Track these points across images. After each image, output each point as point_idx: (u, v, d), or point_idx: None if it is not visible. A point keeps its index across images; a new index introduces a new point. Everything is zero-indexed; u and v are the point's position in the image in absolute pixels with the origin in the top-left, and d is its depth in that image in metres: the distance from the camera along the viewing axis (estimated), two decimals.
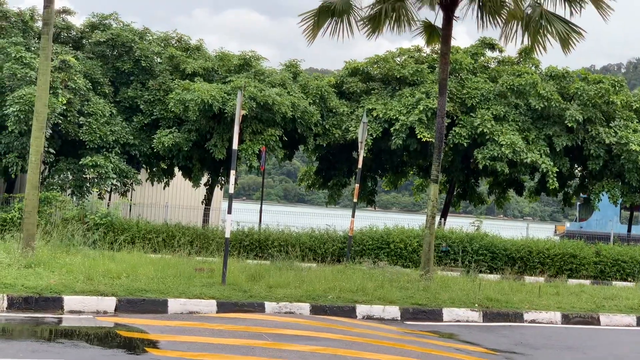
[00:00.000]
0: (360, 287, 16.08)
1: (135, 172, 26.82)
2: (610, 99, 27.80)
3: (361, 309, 14.68)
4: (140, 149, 26.67)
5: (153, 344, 10.67)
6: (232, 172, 15.87)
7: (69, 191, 25.74)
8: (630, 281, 24.65)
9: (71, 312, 12.76)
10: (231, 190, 16.09)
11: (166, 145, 25.51)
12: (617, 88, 28.62)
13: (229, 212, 15.99)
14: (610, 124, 28.08)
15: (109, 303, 13.12)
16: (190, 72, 27.17)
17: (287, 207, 64.63)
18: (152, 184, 29.60)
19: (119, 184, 26.24)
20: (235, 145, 15.89)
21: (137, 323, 12.17)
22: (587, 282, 23.92)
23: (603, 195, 29.45)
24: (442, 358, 11.05)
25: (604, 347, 13.53)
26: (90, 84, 26.02)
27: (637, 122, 28.16)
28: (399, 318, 14.76)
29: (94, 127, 25.31)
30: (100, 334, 11.52)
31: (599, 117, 27.88)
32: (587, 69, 34.81)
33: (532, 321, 15.66)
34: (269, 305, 14.12)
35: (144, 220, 24.27)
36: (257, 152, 25.09)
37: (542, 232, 34.06)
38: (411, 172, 32.89)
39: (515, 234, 27.34)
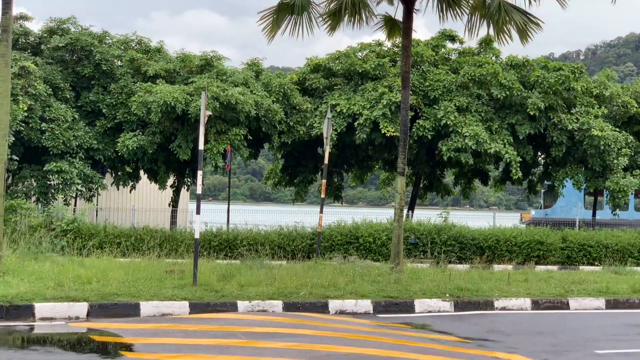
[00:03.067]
0: (331, 282, 16.13)
1: (101, 177, 26.66)
2: (571, 86, 28.10)
3: (334, 304, 14.73)
4: (104, 153, 26.52)
5: (127, 347, 10.64)
6: (199, 173, 15.84)
7: (33, 198, 25.55)
8: (597, 265, 24.93)
9: (43, 319, 12.67)
10: (199, 190, 16.06)
11: (130, 148, 25.37)
12: (577, 75, 28.93)
13: (198, 212, 15.96)
14: (571, 111, 28.39)
15: (81, 309, 13.04)
16: (152, 75, 27.04)
17: (254, 206, 64.57)
18: (118, 188, 29.45)
19: (84, 189, 26.07)
20: (201, 146, 15.85)
21: (111, 327, 12.12)
22: (555, 268, 24.16)
23: (567, 181, 29.79)
24: (416, 348, 11.13)
25: (574, 330, 13.69)
26: (50, 89, 25.83)
27: (597, 108, 28.48)
28: (372, 311, 14.82)
29: (57, 132, 25.13)
30: (74, 339, 11.47)
31: (561, 104, 28.17)
32: (547, 57, 35.17)
33: (503, 308, 15.80)
34: (241, 304, 14.13)
35: (112, 224, 24.13)
36: (222, 151, 25.04)
37: (509, 220, 34.36)
38: (377, 166, 33.00)
39: (482, 223, 27.54)
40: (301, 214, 28.04)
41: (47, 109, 25.37)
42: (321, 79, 29.07)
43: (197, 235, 15.83)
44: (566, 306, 16.28)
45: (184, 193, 33.31)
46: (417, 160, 29.37)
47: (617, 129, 28.60)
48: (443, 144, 27.09)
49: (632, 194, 29.75)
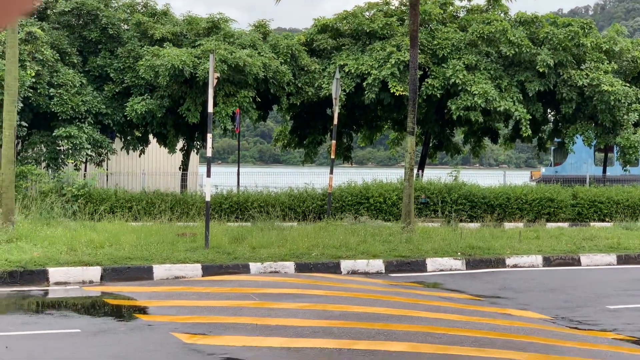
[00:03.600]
0: (343, 242, 16.18)
1: (110, 142, 26.66)
2: (580, 42, 27.88)
3: (345, 264, 14.78)
4: (113, 118, 26.49)
5: (142, 310, 10.71)
6: (209, 135, 15.84)
7: (43, 164, 25.59)
8: (608, 221, 24.94)
9: (57, 283, 12.76)
10: (209, 153, 16.06)
11: (139, 112, 25.35)
12: (586, 30, 28.70)
13: (208, 175, 15.98)
14: (581, 67, 28.21)
15: (94, 273, 13.12)
16: (158, 38, 26.93)
17: (263, 168, 64.61)
18: (128, 153, 29.44)
19: (93, 154, 26.10)
20: (210, 109, 15.83)
21: (124, 291, 12.20)
22: (566, 224, 24.17)
23: (577, 138, 29.66)
24: (428, 307, 11.17)
25: (585, 286, 13.72)
26: (57, 54, 25.75)
27: (607, 64, 28.30)
28: (384, 271, 14.88)
29: (65, 98, 25.10)
30: (88, 303, 11.54)
31: (570, 60, 27.98)
32: (556, 13, 34.86)
33: (514, 266, 15.83)
34: (253, 266, 14.19)
35: (122, 189, 24.19)
36: (231, 114, 24.99)
37: (519, 178, 34.33)
38: (386, 126, 32.91)
39: (492, 182, 27.53)
40: (311, 175, 28.07)
41: (55, 74, 25.32)
42: (329, 39, 28.91)
43: (208, 198, 15.87)
44: (577, 262, 16.30)
45: (194, 156, 33.32)
46: (426, 119, 29.28)
47: (627, 84, 28.43)
48: (452, 102, 26.98)
49: None
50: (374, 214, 23.66)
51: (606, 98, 27.23)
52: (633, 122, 28.40)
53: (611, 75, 27.99)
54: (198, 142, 29.70)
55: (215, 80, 15.76)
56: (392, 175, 27.18)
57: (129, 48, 26.97)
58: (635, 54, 29.65)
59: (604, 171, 33.92)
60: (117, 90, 26.77)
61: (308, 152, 31.51)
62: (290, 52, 27.31)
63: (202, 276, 13.70)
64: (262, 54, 26.29)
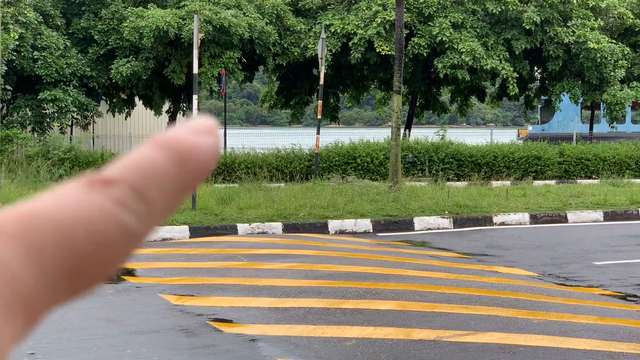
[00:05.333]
0: (330, 202, 16.18)
1: (96, 104, 26.52)
2: None
3: (333, 224, 14.80)
4: (98, 81, 26.33)
5: (129, 273, 10.71)
6: (194, 97, 15.76)
7: (29, 128, 25.45)
8: (594, 178, 25.02)
9: None
10: (194, 114, 16.00)
11: (124, 74, 25.19)
12: None
13: None
14: (567, 24, 28.10)
15: None
16: None
17: (250, 129, 64.44)
18: (114, 115, 29.33)
19: (79, 117, 25.98)
20: (195, 70, 15.74)
21: None
22: (553, 182, 24.24)
23: (564, 95, 29.66)
24: (416, 265, 11.21)
25: (572, 243, 13.79)
26: (41, 17, 25.51)
27: (594, 20, 28.21)
28: (371, 230, 14.91)
29: (49, 60, 24.91)
30: None
31: (557, 18, 27.87)
32: None
33: (502, 224, 15.89)
34: (241, 227, 14.20)
35: (109, 152, 24.12)
36: (217, 75, 24.88)
37: (506, 137, 34.31)
38: (372, 86, 32.84)
39: (479, 140, 27.55)
40: (298, 136, 28.02)
41: (39, 37, 25.09)
42: None
43: None
44: (564, 219, 16.38)
45: (180, 118, 33.19)
46: (412, 78, 29.21)
47: (614, 41, 28.37)
48: (439, 61, 26.90)
49: (629, 106, 29.62)
50: (361, 174, 23.66)
51: (592, 55, 27.19)
52: (619, 79, 28.40)
53: (598, 32, 27.92)
54: (184, 104, 29.58)
55: (200, 41, 15.64)
56: (380, 135, 27.15)
57: (112, 10, 26.72)
58: (622, 10, 29.55)
59: (591, 128, 33.97)
60: (101, 53, 26.56)
61: (295, 112, 31.42)
62: (275, 12, 27.11)
63: (190, 238, 13.70)
64: (247, 14, 26.10)
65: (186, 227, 13.86)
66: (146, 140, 0.50)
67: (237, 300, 8.98)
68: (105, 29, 26.62)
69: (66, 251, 0.42)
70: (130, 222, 0.44)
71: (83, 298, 0.42)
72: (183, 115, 33.08)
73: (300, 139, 26.33)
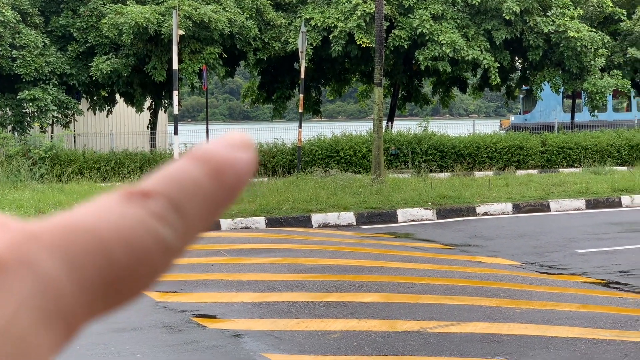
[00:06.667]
0: (313, 196, 16.17)
1: (76, 102, 26.37)
2: None
3: (316, 218, 14.79)
4: (78, 79, 26.17)
5: None
6: (175, 93, 15.72)
7: (9, 127, 25.30)
8: (576, 167, 25.12)
9: None
10: (175, 111, 15.95)
11: (104, 72, 25.06)
12: None
13: (176, 133, 15.89)
14: (547, 13, 28.16)
15: None
16: None
17: (233, 125, 64.34)
18: (95, 113, 29.19)
19: (60, 116, 25.82)
20: (175, 66, 15.69)
21: None
22: (535, 171, 24.31)
23: (545, 85, 29.73)
24: (400, 257, 11.21)
25: (555, 232, 13.83)
26: (19, 15, 25.32)
27: (573, 9, 28.28)
28: (355, 223, 14.91)
29: (28, 59, 24.74)
30: None
31: (536, 7, 27.91)
32: None
33: (485, 214, 15.93)
34: (224, 222, 14.16)
35: (90, 150, 24.00)
36: (198, 71, 24.79)
37: (488, 127, 34.36)
38: (354, 79, 32.83)
39: (462, 131, 27.58)
40: (280, 131, 27.96)
41: (17, 35, 24.92)
42: None
43: (176, 156, 15.78)
44: (547, 208, 16.42)
45: (162, 115, 33.07)
46: (394, 71, 29.20)
47: (593, 30, 28.46)
48: (420, 53, 26.90)
49: (610, 94, 29.75)
50: (344, 167, 23.66)
51: (572, 44, 27.26)
52: (600, 68, 28.49)
53: (577, 21, 27.99)
54: (166, 101, 29.48)
55: (179, 37, 15.59)
56: (362, 127, 27.16)
57: (91, 7, 26.55)
58: None
59: (572, 117, 34.09)
60: (81, 50, 26.40)
61: (277, 107, 31.37)
62: (255, 6, 27.03)
63: None
64: (227, 9, 25.99)
65: None
66: (183, 153, 0.50)
67: (221, 295, 8.95)
68: (84, 27, 26.46)
69: (105, 264, 0.42)
70: (168, 236, 0.44)
71: (119, 312, 0.44)
72: (165, 111, 32.97)
73: (283, 134, 26.29)
